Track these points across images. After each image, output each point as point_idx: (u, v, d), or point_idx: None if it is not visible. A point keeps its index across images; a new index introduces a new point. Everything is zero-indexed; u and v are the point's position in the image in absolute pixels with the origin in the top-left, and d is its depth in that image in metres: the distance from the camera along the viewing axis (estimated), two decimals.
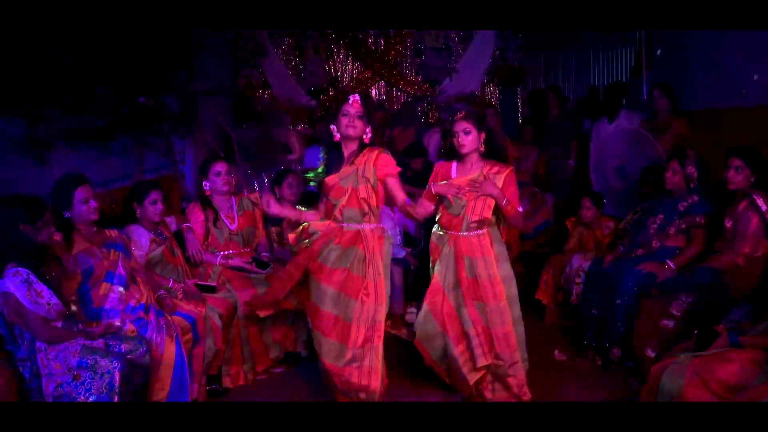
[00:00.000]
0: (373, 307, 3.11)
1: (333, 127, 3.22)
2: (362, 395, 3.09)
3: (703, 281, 3.44)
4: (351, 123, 3.13)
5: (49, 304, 2.73)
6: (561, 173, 6.33)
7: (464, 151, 3.25)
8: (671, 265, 3.63)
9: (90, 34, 4.01)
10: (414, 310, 4.55)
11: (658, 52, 5.49)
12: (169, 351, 3.11)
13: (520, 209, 3.32)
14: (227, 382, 3.62)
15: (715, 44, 4.74)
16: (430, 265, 3.43)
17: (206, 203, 3.92)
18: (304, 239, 3.25)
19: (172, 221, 3.85)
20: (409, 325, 4.46)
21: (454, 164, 3.36)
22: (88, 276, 3.08)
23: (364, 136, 3.21)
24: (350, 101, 3.18)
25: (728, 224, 3.45)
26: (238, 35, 7.60)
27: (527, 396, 3.27)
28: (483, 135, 3.25)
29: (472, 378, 3.21)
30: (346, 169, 3.19)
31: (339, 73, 8.28)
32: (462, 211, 3.24)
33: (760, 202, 3.28)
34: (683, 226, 3.75)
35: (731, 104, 4.70)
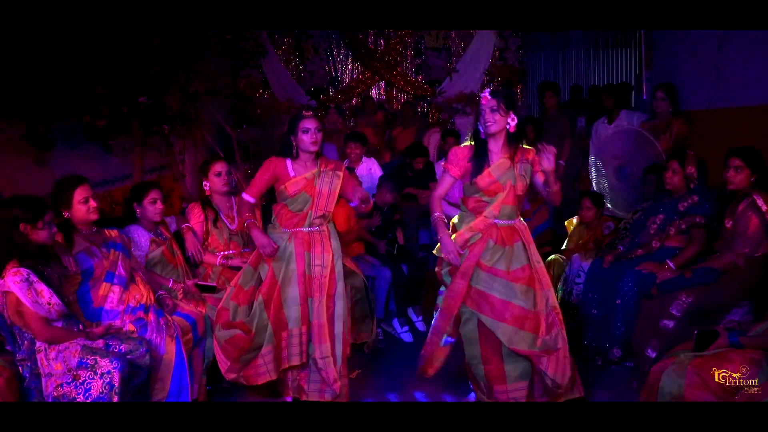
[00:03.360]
0: None
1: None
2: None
3: (703, 281, 3.44)
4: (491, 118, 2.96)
5: (49, 304, 2.73)
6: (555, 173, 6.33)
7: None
8: (671, 265, 3.63)
9: (90, 34, 4.01)
10: (406, 329, 4.55)
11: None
12: (169, 351, 3.11)
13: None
14: (227, 383, 3.62)
15: (715, 44, 4.74)
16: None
17: (206, 203, 3.91)
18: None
19: (172, 221, 3.85)
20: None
21: (289, 162, 3.27)
22: (88, 276, 3.08)
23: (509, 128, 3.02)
24: (481, 97, 3.01)
25: (728, 224, 3.45)
26: (238, 35, 7.60)
27: (341, 390, 3.24)
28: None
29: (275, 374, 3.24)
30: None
31: (339, 73, 8.29)
32: (306, 206, 3.24)
33: (760, 202, 3.28)
34: (683, 226, 3.75)
35: (731, 104, 4.70)
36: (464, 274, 3.03)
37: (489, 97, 2.97)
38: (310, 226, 3.26)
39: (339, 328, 3.27)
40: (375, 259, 4.72)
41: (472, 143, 3.07)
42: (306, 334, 3.24)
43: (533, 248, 3.12)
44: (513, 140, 3.04)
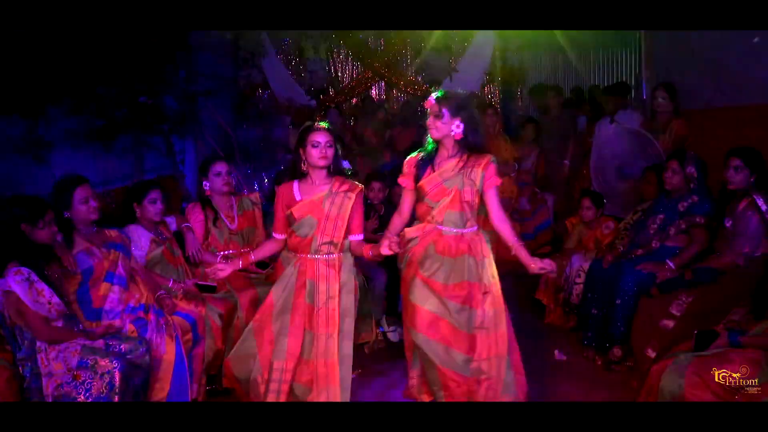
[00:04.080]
0: None
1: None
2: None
3: (703, 281, 3.44)
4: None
5: (50, 304, 2.73)
6: (558, 173, 6.34)
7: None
8: (671, 265, 3.63)
9: (90, 34, 4.01)
10: (393, 329, 4.45)
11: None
12: (169, 351, 3.11)
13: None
14: (227, 382, 3.62)
15: (715, 44, 4.74)
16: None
17: (206, 203, 3.91)
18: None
19: (172, 221, 3.85)
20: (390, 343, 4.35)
21: (296, 184, 3.01)
22: (88, 276, 3.08)
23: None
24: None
25: (728, 224, 3.45)
26: (238, 35, 7.60)
27: None
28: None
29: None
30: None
31: (339, 73, 8.29)
32: (312, 231, 2.93)
33: (760, 202, 3.28)
34: (683, 226, 3.75)
35: (731, 104, 4.70)
36: (407, 283, 2.98)
37: (433, 101, 2.91)
38: (315, 253, 2.94)
39: (344, 371, 2.91)
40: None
41: (421, 151, 3.02)
42: (290, 372, 2.88)
43: (488, 263, 2.99)
44: (463, 146, 2.92)
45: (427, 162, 2.98)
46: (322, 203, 2.93)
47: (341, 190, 2.96)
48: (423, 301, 2.90)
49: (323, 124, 2.98)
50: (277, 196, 3.04)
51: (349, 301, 2.96)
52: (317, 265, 2.95)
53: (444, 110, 2.88)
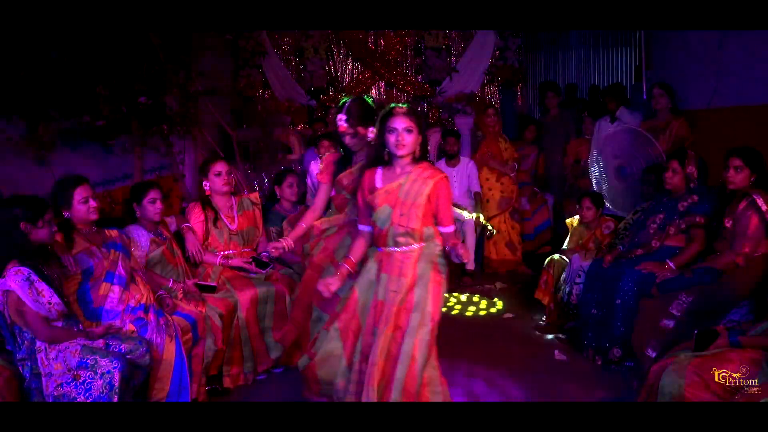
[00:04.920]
0: None
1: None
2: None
3: (703, 281, 3.44)
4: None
5: (50, 303, 2.73)
6: (558, 173, 6.35)
7: (401, 152, 2.72)
8: (671, 265, 3.63)
9: (90, 34, 4.01)
10: None
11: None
12: (169, 351, 3.10)
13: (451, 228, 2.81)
14: (227, 382, 3.62)
15: (715, 44, 4.74)
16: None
17: (206, 203, 3.91)
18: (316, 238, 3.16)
19: (172, 221, 3.85)
20: None
21: (379, 171, 2.82)
22: (88, 276, 3.08)
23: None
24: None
25: (728, 224, 3.45)
26: (238, 35, 7.60)
27: None
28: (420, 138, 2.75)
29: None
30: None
31: (339, 73, 8.28)
32: (388, 222, 2.74)
33: (760, 202, 3.28)
34: (683, 226, 3.75)
35: (731, 104, 4.71)
36: (317, 266, 3.05)
37: (341, 115, 3.07)
38: (393, 245, 2.74)
39: (401, 372, 2.60)
40: None
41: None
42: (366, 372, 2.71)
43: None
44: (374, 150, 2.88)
45: (346, 161, 3.16)
46: (399, 191, 2.72)
47: (420, 177, 2.72)
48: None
49: (402, 106, 2.75)
50: (361, 183, 2.85)
51: (419, 293, 2.68)
52: (393, 258, 2.74)
53: (352, 120, 3.08)
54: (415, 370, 2.61)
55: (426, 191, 2.70)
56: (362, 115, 3.10)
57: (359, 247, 2.88)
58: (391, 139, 2.69)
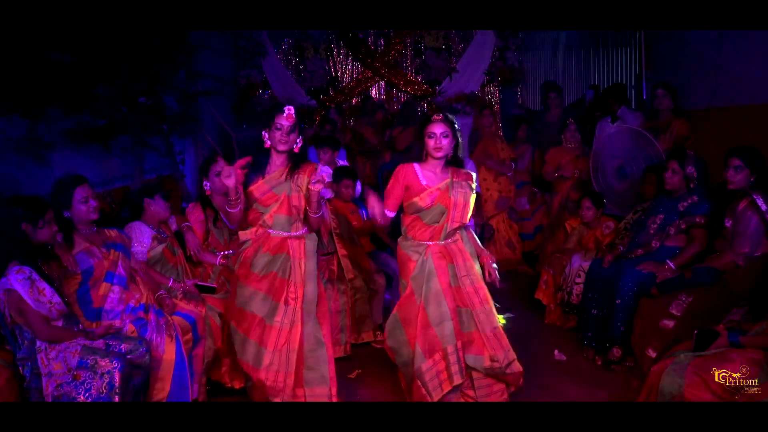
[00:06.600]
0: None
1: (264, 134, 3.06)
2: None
3: (703, 281, 3.44)
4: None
5: (50, 303, 2.73)
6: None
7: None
8: (671, 265, 3.63)
9: (90, 34, 4.00)
10: None
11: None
12: (169, 351, 3.11)
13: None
14: (228, 382, 3.62)
15: (715, 44, 4.74)
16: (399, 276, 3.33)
17: (206, 203, 3.92)
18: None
19: (172, 221, 3.85)
20: None
21: (417, 168, 3.16)
22: (88, 276, 3.08)
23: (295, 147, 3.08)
24: (285, 113, 2.98)
25: (728, 224, 3.45)
26: (238, 35, 7.60)
27: (519, 384, 3.26)
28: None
29: (437, 395, 3.07)
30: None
31: (339, 73, 8.29)
32: (442, 219, 3.12)
33: (760, 202, 3.28)
34: (683, 226, 3.75)
35: (731, 104, 4.70)
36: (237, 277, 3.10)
37: (291, 112, 3.01)
38: (447, 238, 3.14)
39: (502, 335, 3.17)
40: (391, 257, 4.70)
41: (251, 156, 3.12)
42: (462, 350, 3.08)
43: (309, 264, 3.09)
44: (293, 158, 3.07)
45: (259, 168, 3.08)
46: (449, 192, 3.09)
47: (461, 179, 3.13)
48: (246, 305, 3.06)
49: (439, 114, 3.10)
50: (396, 174, 3.14)
51: (477, 267, 3.18)
52: (449, 249, 3.14)
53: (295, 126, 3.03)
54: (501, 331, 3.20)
55: (472, 193, 3.13)
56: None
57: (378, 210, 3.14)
58: (431, 143, 3.05)
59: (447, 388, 3.06)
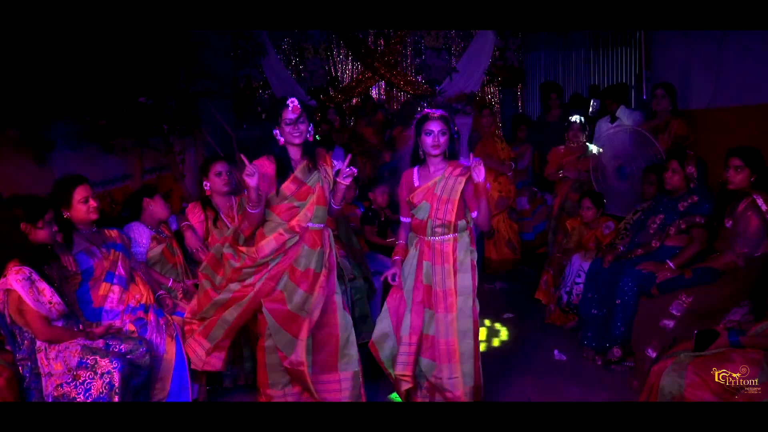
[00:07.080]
0: None
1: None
2: None
3: (703, 281, 3.44)
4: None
5: (50, 303, 2.73)
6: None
7: (437, 152, 3.07)
8: (671, 265, 3.63)
9: (90, 34, 4.00)
10: None
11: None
12: (169, 351, 3.11)
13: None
14: (227, 382, 3.62)
15: (715, 44, 4.74)
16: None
17: (206, 203, 3.91)
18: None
19: (172, 221, 3.85)
20: None
21: (416, 171, 3.17)
22: (88, 276, 3.08)
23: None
24: (290, 107, 3.00)
25: (728, 224, 3.45)
26: (238, 35, 7.60)
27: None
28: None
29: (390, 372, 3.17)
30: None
31: (339, 73, 8.29)
32: (426, 215, 3.09)
33: (760, 202, 3.27)
34: (683, 226, 3.75)
35: (731, 104, 4.70)
36: (274, 276, 3.07)
37: (295, 104, 3.00)
38: (431, 234, 3.08)
39: (464, 347, 3.02)
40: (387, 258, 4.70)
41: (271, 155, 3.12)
42: (415, 345, 3.06)
43: (332, 253, 3.16)
44: (307, 149, 3.09)
45: (286, 165, 3.09)
46: (435, 188, 3.08)
47: (453, 174, 3.07)
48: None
49: (436, 111, 3.10)
50: (401, 182, 3.21)
51: (466, 279, 3.06)
52: (433, 246, 3.09)
53: (304, 115, 3.04)
54: (476, 343, 3.08)
55: (460, 188, 3.04)
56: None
57: (402, 236, 3.25)
58: (428, 140, 3.02)
59: (393, 370, 3.11)
